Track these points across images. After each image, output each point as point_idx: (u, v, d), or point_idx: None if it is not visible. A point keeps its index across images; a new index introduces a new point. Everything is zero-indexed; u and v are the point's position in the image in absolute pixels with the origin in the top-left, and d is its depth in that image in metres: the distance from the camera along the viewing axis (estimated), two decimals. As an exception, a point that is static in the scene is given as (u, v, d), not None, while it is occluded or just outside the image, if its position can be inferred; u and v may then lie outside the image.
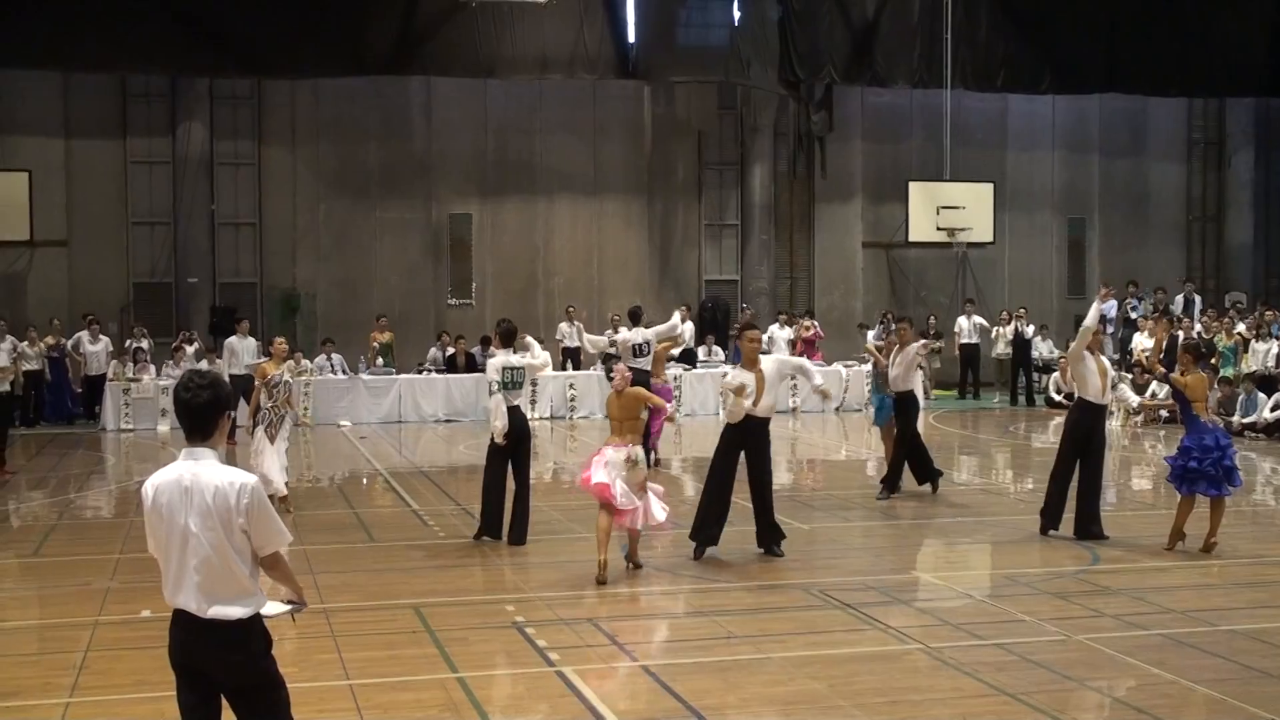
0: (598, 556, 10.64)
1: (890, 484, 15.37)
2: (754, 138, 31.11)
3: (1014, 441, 22.40)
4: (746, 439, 11.58)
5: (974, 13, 30.55)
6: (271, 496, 13.14)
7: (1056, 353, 28.33)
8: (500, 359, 12.38)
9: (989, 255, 32.42)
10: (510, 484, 12.55)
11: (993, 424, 24.72)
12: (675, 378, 25.64)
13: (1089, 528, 12.39)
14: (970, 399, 28.86)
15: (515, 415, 12.39)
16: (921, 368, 15.97)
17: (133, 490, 15.51)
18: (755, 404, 11.42)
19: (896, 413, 15.54)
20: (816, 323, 28.59)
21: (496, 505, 12.57)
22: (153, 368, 24.74)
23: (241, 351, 22.47)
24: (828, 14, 30.11)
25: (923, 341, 15.76)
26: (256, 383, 14.25)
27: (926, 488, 15.57)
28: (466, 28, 28.49)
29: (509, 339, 12.68)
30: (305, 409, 24.35)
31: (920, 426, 16.04)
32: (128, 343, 25.78)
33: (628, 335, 17.74)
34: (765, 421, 11.60)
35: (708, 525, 11.66)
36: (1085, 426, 12.53)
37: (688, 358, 26.69)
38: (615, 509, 10.70)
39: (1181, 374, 11.68)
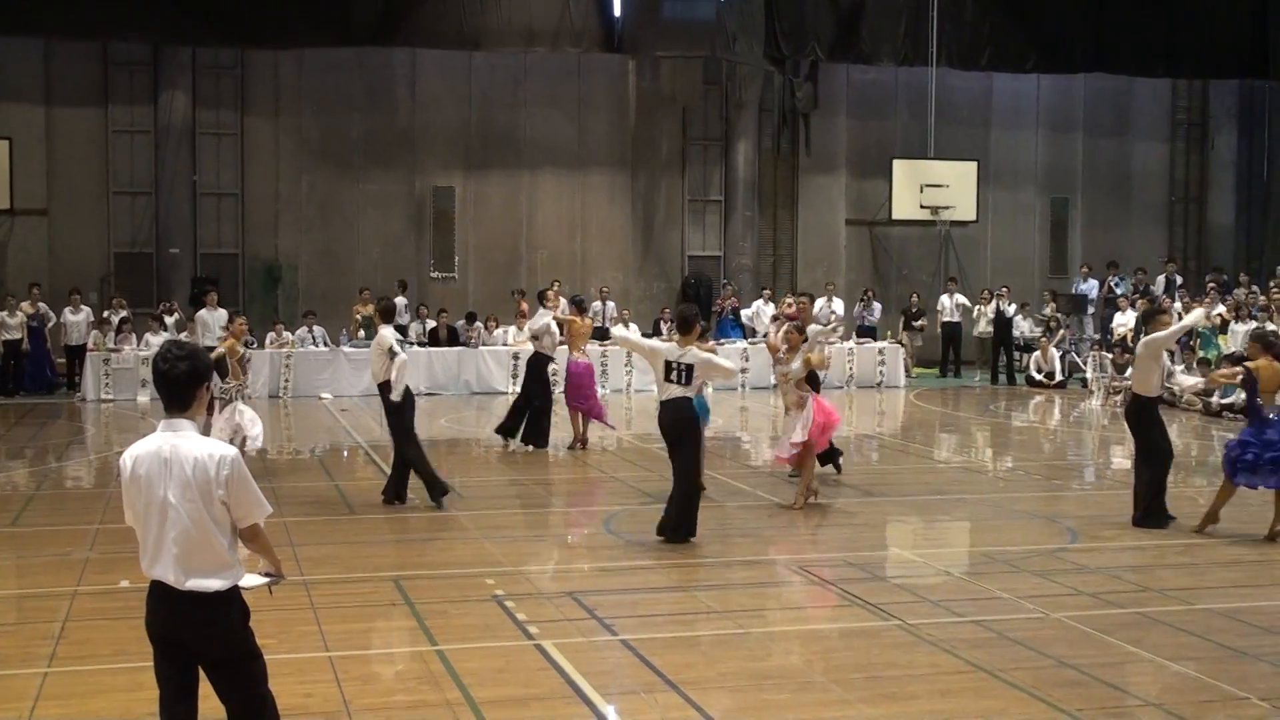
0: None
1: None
2: (738, 113, 31.05)
3: (994, 420, 22.47)
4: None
5: (960, -9, 30.56)
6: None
7: (1038, 331, 28.42)
8: (391, 330, 13.35)
9: (972, 234, 32.47)
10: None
11: (973, 402, 24.79)
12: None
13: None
14: (951, 377, 28.95)
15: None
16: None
17: (112, 460, 15.47)
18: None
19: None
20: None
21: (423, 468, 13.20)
22: (134, 338, 24.66)
23: (213, 323, 22.43)
24: (813, -10, 30.11)
25: (821, 328, 15.42)
26: (230, 362, 14.61)
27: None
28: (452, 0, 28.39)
29: (389, 315, 13.73)
30: (287, 381, 24.35)
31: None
32: (105, 313, 25.68)
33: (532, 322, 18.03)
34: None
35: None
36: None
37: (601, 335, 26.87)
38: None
39: (1252, 362, 11.57)
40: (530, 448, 17.18)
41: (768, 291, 28.80)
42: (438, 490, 13.05)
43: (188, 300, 26.48)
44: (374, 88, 29.88)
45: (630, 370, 25.45)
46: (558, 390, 18.35)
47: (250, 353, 15.00)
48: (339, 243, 29.89)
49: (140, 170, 28.71)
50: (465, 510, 13.11)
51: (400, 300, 25.74)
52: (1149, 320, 12.45)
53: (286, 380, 24.40)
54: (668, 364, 11.29)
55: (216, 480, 5.05)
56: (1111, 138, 34.03)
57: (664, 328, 27.53)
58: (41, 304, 25.30)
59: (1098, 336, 28.26)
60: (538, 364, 17.53)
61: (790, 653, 8.10)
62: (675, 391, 11.29)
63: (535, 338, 17.64)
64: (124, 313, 25.52)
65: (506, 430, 17.47)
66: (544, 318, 17.58)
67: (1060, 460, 17.78)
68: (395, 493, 13.22)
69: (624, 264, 31.25)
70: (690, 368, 11.22)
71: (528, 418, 17.37)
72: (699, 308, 28.56)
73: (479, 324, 26.28)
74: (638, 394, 24.80)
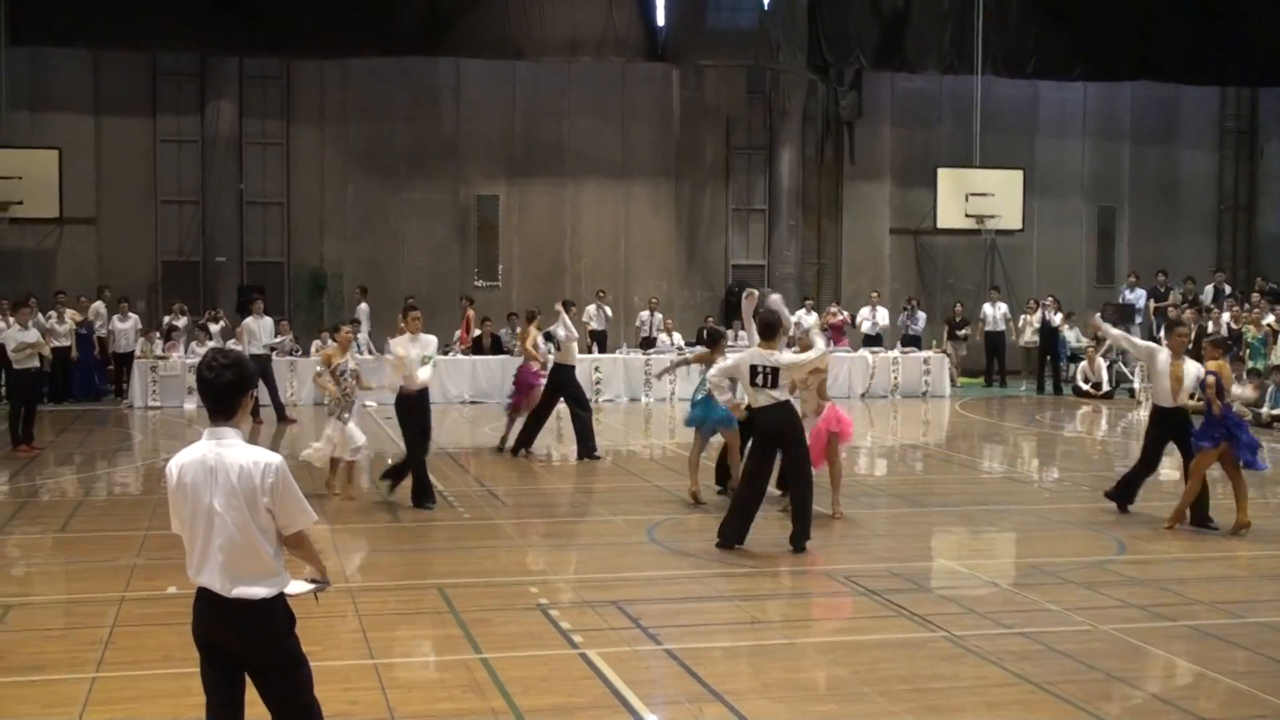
0: None
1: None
2: (782, 122, 31.00)
3: (1040, 430, 22.28)
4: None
5: (1005, -2, 30.43)
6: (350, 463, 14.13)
7: (1083, 341, 28.15)
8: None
9: (1018, 243, 32.27)
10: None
11: (1019, 412, 24.60)
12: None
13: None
14: (996, 386, 28.75)
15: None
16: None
17: (159, 467, 15.57)
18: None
19: None
20: (845, 311, 28.57)
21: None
22: (181, 345, 24.86)
23: (259, 331, 22.52)
24: (857, -1, 30.08)
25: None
26: (319, 368, 14.72)
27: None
28: (496, 9, 28.54)
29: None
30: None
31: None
32: (165, 319, 25.93)
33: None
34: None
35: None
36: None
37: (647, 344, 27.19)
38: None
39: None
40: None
41: (810, 301, 28.71)
42: (392, 481, 13.84)
43: (234, 308, 26.68)
44: (418, 97, 30.04)
45: (674, 380, 25.36)
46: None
47: (350, 363, 14.64)
48: (383, 251, 30.04)
49: (187, 179, 29.00)
50: (509, 518, 13.15)
51: (363, 307, 25.86)
52: (1169, 332, 13.14)
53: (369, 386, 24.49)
54: (753, 368, 11.24)
55: (262, 488, 5.06)
56: (1159, 146, 33.76)
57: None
58: (78, 312, 25.55)
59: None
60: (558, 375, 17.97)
61: (835, 663, 8.05)
62: (768, 397, 11.24)
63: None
64: (185, 319, 25.74)
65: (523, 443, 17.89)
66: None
67: (1107, 471, 17.53)
68: (419, 496, 13.43)
69: (667, 273, 31.25)
70: (775, 371, 11.20)
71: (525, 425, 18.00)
72: (742, 316, 28.71)
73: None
74: (681, 402, 24.74)
